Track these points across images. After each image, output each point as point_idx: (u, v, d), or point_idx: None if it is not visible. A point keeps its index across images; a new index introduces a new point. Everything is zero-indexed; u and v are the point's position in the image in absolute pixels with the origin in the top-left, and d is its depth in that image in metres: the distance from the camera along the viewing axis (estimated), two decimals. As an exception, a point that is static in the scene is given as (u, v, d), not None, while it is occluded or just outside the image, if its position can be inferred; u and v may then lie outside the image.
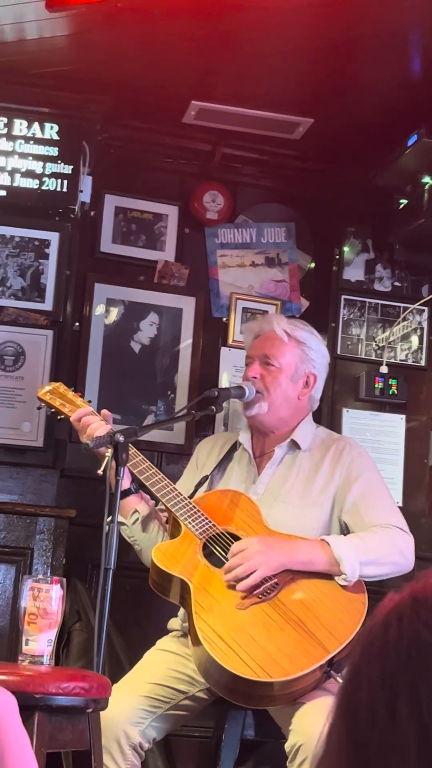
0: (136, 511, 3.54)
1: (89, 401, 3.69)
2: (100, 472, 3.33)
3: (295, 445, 3.68)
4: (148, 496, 3.62)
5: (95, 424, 3.52)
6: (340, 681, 3.13)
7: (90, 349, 4.77)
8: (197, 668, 3.28)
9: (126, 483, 3.44)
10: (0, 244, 4.59)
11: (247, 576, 3.26)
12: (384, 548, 3.38)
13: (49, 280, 4.61)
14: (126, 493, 3.47)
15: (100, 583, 3.09)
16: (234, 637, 3.16)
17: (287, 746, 3.10)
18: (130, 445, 3.38)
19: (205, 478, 3.70)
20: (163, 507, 3.63)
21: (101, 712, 2.80)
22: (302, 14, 3.77)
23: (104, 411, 3.63)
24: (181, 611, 3.53)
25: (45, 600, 2.75)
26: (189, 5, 3.65)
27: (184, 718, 3.42)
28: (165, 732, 3.38)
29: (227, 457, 3.78)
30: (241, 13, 3.78)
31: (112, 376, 4.79)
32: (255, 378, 3.64)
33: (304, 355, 3.72)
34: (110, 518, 3.19)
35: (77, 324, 4.74)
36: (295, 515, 3.52)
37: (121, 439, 3.26)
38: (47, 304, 4.60)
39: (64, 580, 2.83)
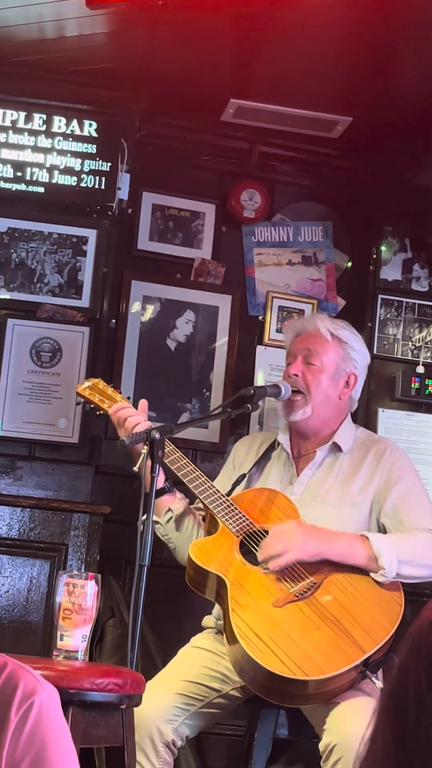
0: (169, 509, 3.55)
1: (128, 398, 3.69)
2: (135, 468, 3.34)
3: (336, 448, 3.67)
4: (182, 495, 3.62)
5: (133, 418, 3.52)
6: (376, 681, 3.13)
7: (126, 346, 4.78)
8: (232, 666, 3.28)
9: (160, 482, 3.44)
10: (38, 241, 4.61)
11: (280, 556, 3.25)
12: (423, 550, 3.37)
13: (87, 277, 4.63)
14: (160, 492, 3.47)
15: (134, 579, 3.09)
16: (270, 634, 3.16)
17: (321, 746, 3.09)
18: (167, 441, 3.38)
19: (243, 476, 3.69)
20: (199, 505, 3.63)
21: (135, 709, 2.80)
22: (341, 12, 3.75)
23: (142, 401, 3.64)
24: (216, 609, 3.53)
25: (80, 596, 2.76)
26: (229, 4, 3.65)
27: (217, 716, 3.41)
28: (198, 729, 3.37)
29: (265, 457, 3.77)
30: (280, 12, 3.78)
31: (147, 374, 4.80)
32: (296, 375, 3.63)
33: (346, 354, 3.71)
34: (145, 516, 3.19)
35: (114, 321, 4.75)
36: (332, 515, 3.51)
37: (157, 436, 3.26)
38: (84, 301, 4.61)
39: (99, 576, 2.84)
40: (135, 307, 4.83)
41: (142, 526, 3.16)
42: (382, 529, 3.51)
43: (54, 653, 2.78)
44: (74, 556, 4.27)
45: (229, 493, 3.59)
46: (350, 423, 3.77)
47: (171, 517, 3.54)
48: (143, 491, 3.23)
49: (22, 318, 4.55)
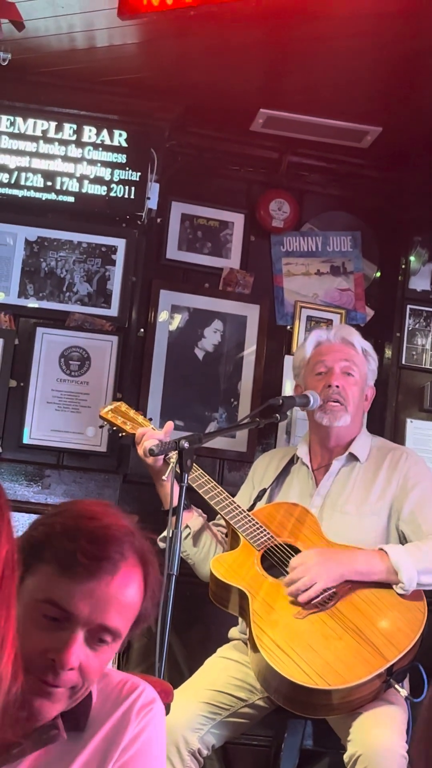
0: (187, 526, 3.56)
1: (150, 419, 3.73)
2: (164, 477, 3.37)
3: (353, 458, 3.67)
4: (199, 511, 3.63)
5: (149, 434, 3.56)
6: (400, 690, 3.12)
7: (154, 355, 4.79)
8: (256, 677, 3.28)
9: (174, 500, 3.43)
10: (67, 250, 4.63)
11: (308, 589, 3.25)
12: None
13: (115, 286, 4.64)
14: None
15: (162, 588, 3.09)
16: (292, 646, 3.15)
17: (346, 757, 3.08)
18: None
19: (264, 491, 3.70)
20: (220, 521, 3.64)
21: (162, 718, 2.80)
22: (371, 24, 3.75)
23: (168, 423, 3.66)
24: (241, 621, 3.53)
25: (108, 604, 2.75)
26: (259, 14, 3.66)
27: (244, 725, 3.41)
28: (224, 739, 3.37)
29: (285, 471, 3.78)
30: (310, 23, 3.78)
31: (175, 383, 4.81)
32: (338, 386, 3.62)
33: (370, 368, 3.73)
34: (171, 529, 3.19)
35: (142, 330, 4.76)
36: (353, 524, 3.51)
37: (186, 445, 3.26)
38: (113, 310, 4.63)
39: (128, 585, 2.83)
40: (163, 316, 4.84)
41: (170, 533, 3.16)
42: (402, 536, 3.50)
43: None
44: (101, 564, 4.27)
45: (250, 509, 3.60)
46: (366, 433, 3.78)
47: (189, 534, 3.56)
48: (170, 499, 3.23)
49: (52, 327, 4.56)
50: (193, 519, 3.58)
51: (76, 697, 1.73)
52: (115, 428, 3.73)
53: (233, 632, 3.66)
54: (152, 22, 3.81)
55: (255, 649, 3.18)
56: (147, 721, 1.81)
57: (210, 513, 3.64)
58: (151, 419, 3.75)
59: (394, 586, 3.31)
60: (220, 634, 3.72)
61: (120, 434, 3.74)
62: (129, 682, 1.87)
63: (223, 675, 3.40)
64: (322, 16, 3.71)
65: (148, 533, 1.85)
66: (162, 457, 3.48)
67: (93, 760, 1.76)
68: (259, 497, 3.69)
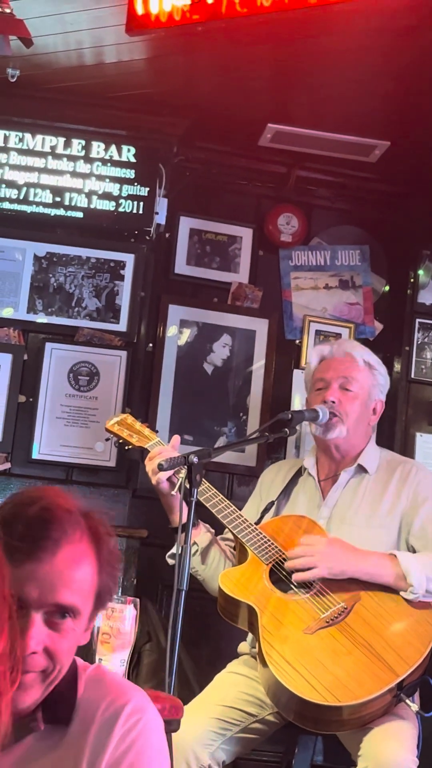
0: (195, 542, 3.55)
1: (157, 431, 3.72)
2: (174, 492, 3.36)
3: (361, 469, 3.66)
4: (206, 527, 3.62)
5: (165, 453, 3.54)
6: (411, 705, 3.10)
7: (163, 370, 4.80)
8: (266, 693, 3.26)
9: (183, 516, 3.43)
10: (76, 266, 4.64)
11: (306, 570, 3.25)
12: None
13: (124, 301, 4.65)
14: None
15: (172, 604, 3.08)
16: (302, 661, 3.14)
17: (357, 772, 3.07)
18: None
19: (271, 503, 3.69)
20: (227, 536, 3.63)
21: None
22: (378, 39, 3.76)
23: (175, 437, 3.65)
24: (250, 636, 3.52)
25: (119, 620, 2.75)
26: (267, 30, 3.66)
27: (254, 741, 3.39)
28: (235, 755, 3.35)
29: (292, 482, 3.77)
30: (317, 38, 3.79)
31: (184, 397, 4.81)
32: (333, 402, 3.62)
33: (376, 381, 3.72)
34: (179, 545, 3.19)
35: (151, 345, 4.77)
36: (362, 537, 3.49)
37: (195, 460, 3.26)
38: (122, 325, 4.63)
39: (138, 600, 2.83)
40: (172, 331, 4.84)
41: (180, 548, 3.15)
42: (412, 551, 3.49)
43: (91, 677, 2.78)
44: (111, 579, 4.26)
45: (257, 522, 3.59)
46: (375, 446, 3.77)
47: (197, 550, 3.55)
48: (180, 514, 3.23)
49: (60, 342, 4.57)
50: (200, 535, 3.57)
51: (50, 681, 1.74)
52: (121, 441, 3.72)
53: (243, 647, 3.64)
54: (160, 38, 3.82)
55: (264, 664, 3.17)
56: (136, 732, 1.78)
57: (217, 527, 3.64)
58: (157, 431, 3.74)
59: (402, 593, 3.29)
60: (230, 650, 3.71)
61: (126, 447, 3.73)
62: (122, 687, 1.86)
63: (233, 690, 3.38)
64: (330, 32, 3.72)
65: (101, 511, 1.85)
66: (168, 477, 3.46)
67: (80, 757, 1.75)
68: (266, 510, 3.68)
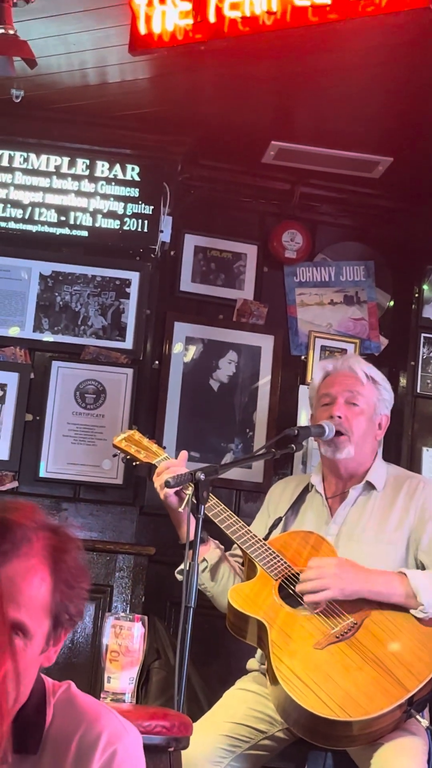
0: (204, 559, 3.54)
1: (164, 447, 3.73)
2: (181, 509, 3.37)
3: (369, 486, 3.66)
4: (216, 543, 3.62)
5: (173, 468, 3.55)
6: (421, 720, 3.09)
7: (169, 387, 4.81)
8: (276, 708, 3.26)
9: (191, 533, 3.43)
10: (82, 284, 4.65)
11: (316, 592, 3.25)
12: None
13: (130, 319, 4.66)
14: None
15: (180, 621, 3.08)
16: (312, 676, 3.13)
17: (367, 788, 3.06)
18: None
19: (279, 519, 3.69)
20: (236, 552, 3.63)
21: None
22: (380, 56, 3.78)
23: (182, 453, 3.66)
24: (260, 651, 3.51)
25: (127, 638, 2.75)
26: (269, 48, 3.68)
27: (264, 758, 3.38)
28: (244, 772, 3.35)
29: (300, 499, 3.76)
30: (319, 55, 3.81)
31: (191, 414, 4.82)
32: (340, 417, 3.62)
33: (380, 395, 3.71)
34: (183, 566, 3.19)
35: (157, 362, 4.78)
36: (370, 554, 3.49)
37: (202, 477, 3.26)
38: (127, 343, 4.65)
39: (146, 618, 2.83)
40: (178, 348, 4.85)
41: (188, 565, 3.15)
42: (421, 567, 3.49)
43: (101, 696, 2.77)
44: (119, 597, 4.28)
45: (266, 538, 3.58)
46: (382, 461, 3.76)
47: (206, 567, 3.54)
48: (187, 530, 3.24)
49: (67, 360, 4.59)
50: (210, 552, 3.57)
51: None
52: (128, 457, 3.72)
53: (252, 663, 3.64)
54: (163, 58, 3.84)
55: (274, 680, 3.17)
56: (114, 765, 1.70)
57: (225, 543, 3.64)
58: (164, 447, 3.75)
59: (412, 611, 3.29)
60: (239, 666, 3.70)
61: (134, 463, 3.74)
62: (94, 712, 1.76)
63: (243, 707, 3.38)
64: (331, 49, 3.74)
65: (68, 529, 1.76)
66: (175, 491, 3.47)
67: None
68: (274, 525, 3.68)
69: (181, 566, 3.19)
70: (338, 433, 3.60)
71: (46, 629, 1.68)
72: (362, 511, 3.61)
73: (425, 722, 3.14)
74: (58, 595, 1.69)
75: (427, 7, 3.24)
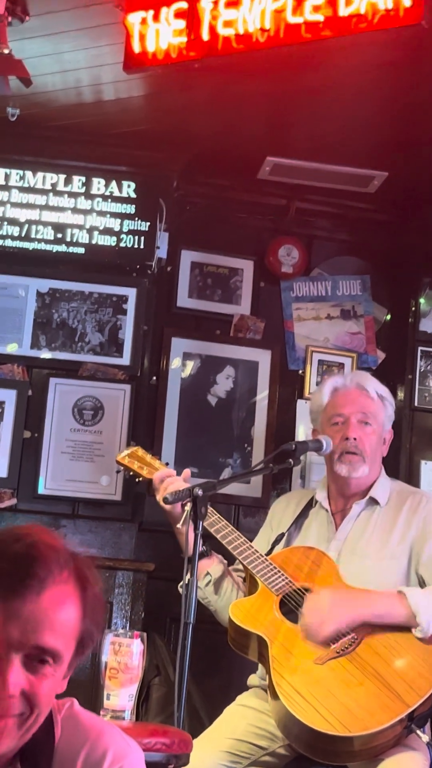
0: (208, 573, 3.54)
1: (167, 463, 3.73)
2: (179, 525, 3.37)
3: (373, 501, 3.65)
4: (219, 557, 3.62)
5: (176, 484, 3.55)
6: (422, 736, 3.09)
7: (167, 402, 4.81)
8: (276, 724, 3.25)
9: (191, 547, 3.42)
10: (79, 301, 4.66)
11: (320, 635, 3.24)
12: None
13: (127, 335, 4.67)
14: (199, 556, 3.46)
15: (180, 637, 3.08)
16: (312, 692, 3.13)
17: (368, 804, 3.06)
18: None
19: (282, 535, 3.68)
20: (237, 566, 3.63)
21: (182, 767, 2.78)
22: (374, 72, 3.80)
23: (185, 471, 3.66)
24: (261, 667, 3.51)
25: (126, 654, 2.74)
26: (264, 65, 3.70)
27: (265, 774, 3.38)
28: (245, 789, 3.34)
29: (303, 514, 3.76)
30: (313, 72, 3.83)
31: (188, 430, 4.82)
32: (355, 439, 3.61)
33: (387, 413, 3.72)
34: (185, 580, 3.18)
35: (154, 378, 4.79)
36: (373, 569, 3.48)
37: (200, 492, 3.26)
38: (125, 359, 4.65)
39: (145, 634, 2.83)
40: (175, 363, 4.86)
41: (187, 581, 3.15)
42: (421, 581, 3.48)
43: (101, 713, 2.77)
44: (119, 613, 4.27)
45: (268, 553, 3.58)
46: (385, 477, 3.76)
47: (209, 581, 3.54)
48: (186, 546, 3.24)
49: (64, 377, 4.59)
50: (213, 566, 3.57)
51: (27, 727, 1.65)
52: (131, 473, 3.73)
53: (252, 679, 3.63)
54: (158, 76, 3.85)
55: (275, 696, 3.16)
56: None
57: (229, 557, 3.64)
58: (167, 463, 3.75)
59: (413, 630, 3.28)
60: (240, 682, 3.70)
61: (137, 479, 3.74)
62: (98, 730, 1.78)
63: (243, 723, 3.37)
64: (325, 66, 3.76)
65: (89, 554, 1.79)
66: (179, 503, 3.47)
67: None
68: (277, 541, 3.68)
69: (185, 580, 3.18)
70: (352, 453, 3.60)
71: (71, 655, 1.70)
72: (365, 526, 3.61)
73: (426, 737, 3.14)
74: (87, 622, 1.71)
75: (420, 24, 3.26)
